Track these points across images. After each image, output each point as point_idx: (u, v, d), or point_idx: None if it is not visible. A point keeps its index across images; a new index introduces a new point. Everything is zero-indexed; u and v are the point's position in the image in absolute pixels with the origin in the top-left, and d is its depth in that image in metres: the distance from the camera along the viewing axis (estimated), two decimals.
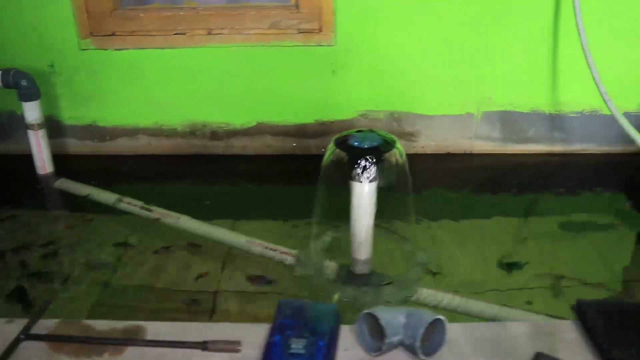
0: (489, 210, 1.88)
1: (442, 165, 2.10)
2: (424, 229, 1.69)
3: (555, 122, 2.08)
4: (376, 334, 0.89)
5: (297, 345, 0.82)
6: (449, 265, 1.52)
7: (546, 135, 2.11)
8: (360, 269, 1.44)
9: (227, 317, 1.31)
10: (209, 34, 1.93)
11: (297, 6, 1.89)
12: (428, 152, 2.12)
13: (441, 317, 0.88)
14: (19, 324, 1.00)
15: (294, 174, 2.05)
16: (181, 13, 1.93)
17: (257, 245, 1.60)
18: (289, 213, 1.79)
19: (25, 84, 1.90)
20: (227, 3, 1.97)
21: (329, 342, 0.84)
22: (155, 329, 0.99)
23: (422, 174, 2.07)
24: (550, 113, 2.06)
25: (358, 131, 1.35)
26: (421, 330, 0.84)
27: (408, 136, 2.09)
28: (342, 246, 1.51)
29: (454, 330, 0.93)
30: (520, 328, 0.96)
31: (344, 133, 1.34)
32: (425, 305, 1.38)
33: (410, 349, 0.87)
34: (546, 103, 2.05)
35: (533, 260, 1.55)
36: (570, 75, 1.98)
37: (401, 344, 0.88)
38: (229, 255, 1.58)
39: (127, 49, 1.98)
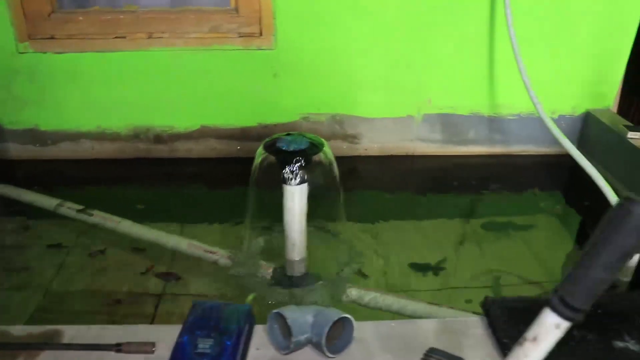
0: (430, 211, 1.93)
1: (385, 166, 2.14)
2: (361, 230, 1.73)
3: (494, 124, 2.14)
4: (287, 333, 0.91)
5: (204, 345, 0.84)
6: (385, 266, 1.55)
7: (486, 137, 2.17)
8: (295, 270, 1.47)
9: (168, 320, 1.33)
10: (150, 37, 1.93)
11: (236, 10, 1.90)
12: (371, 154, 2.15)
13: (348, 315, 0.91)
14: None
15: (238, 177, 2.05)
16: (121, 16, 1.92)
17: (196, 248, 1.61)
18: (234, 215, 1.80)
19: None
20: (168, 6, 1.97)
21: (237, 342, 0.86)
22: (72, 332, 0.99)
23: (365, 176, 2.13)
24: (489, 116, 2.12)
25: (287, 134, 1.37)
26: (326, 329, 0.87)
27: (351, 138, 2.12)
28: (277, 248, 1.53)
29: (363, 329, 0.96)
30: (430, 325, 1.00)
31: (273, 137, 1.36)
32: (356, 304, 1.42)
33: (317, 346, 0.89)
34: (485, 106, 2.11)
35: (472, 259, 1.61)
36: (506, 79, 2.04)
37: (309, 342, 0.91)
38: (173, 258, 1.59)
39: (67, 52, 1.96)
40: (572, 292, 0.55)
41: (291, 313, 0.90)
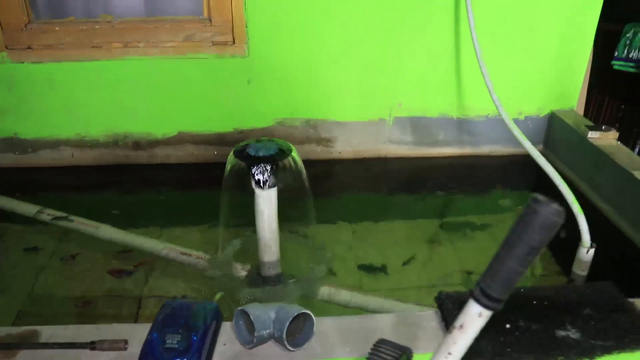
0: (401, 212, 2.01)
1: (358, 169, 2.21)
2: (333, 231, 1.80)
3: (463, 126, 2.22)
4: (251, 329, 0.97)
5: (172, 341, 0.90)
6: (354, 265, 1.62)
7: (455, 139, 2.24)
8: (269, 271, 1.53)
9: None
10: (126, 46, 1.98)
11: (210, 19, 1.96)
12: (345, 157, 2.22)
13: (307, 311, 0.97)
14: None
15: (215, 181, 2.11)
16: (97, 27, 1.97)
17: (172, 251, 1.66)
18: (211, 219, 1.85)
19: None
20: (142, 16, 2.02)
21: (203, 337, 0.92)
22: (49, 332, 1.04)
23: (339, 178, 2.19)
24: (457, 118, 2.20)
25: (257, 141, 1.43)
26: (287, 324, 0.93)
27: (325, 142, 2.19)
28: (251, 250, 1.59)
29: (323, 323, 1.02)
30: (387, 319, 1.06)
31: (243, 143, 1.42)
32: (329, 302, 1.49)
33: (279, 341, 0.95)
34: (453, 108, 2.18)
35: (440, 257, 1.68)
36: (473, 82, 2.11)
37: (272, 337, 0.97)
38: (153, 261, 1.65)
39: (44, 62, 2.00)
40: (490, 284, 0.62)
41: (254, 310, 0.96)
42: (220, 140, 2.15)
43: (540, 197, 0.59)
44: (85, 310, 1.46)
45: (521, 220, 0.60)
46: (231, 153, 1.41)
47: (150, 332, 0.93)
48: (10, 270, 1.64)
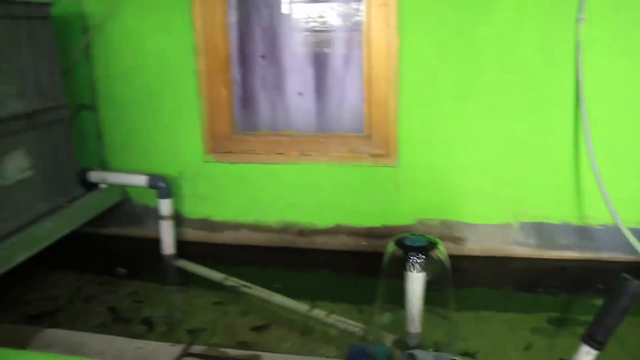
0: (524, 306, 2.26)
1: (486, 266, 2.52)
2: (464, 317, 2.11)
3: (584, 232, 2.48)
4: None
5: None
6: (485, 348, 1.92)
7: (577, 244, 2.50)
8: (412, 341, 1.88)
9: None
10: (302, 155, 2.53)
11: (369, 136, 2.47)
12: (474, 255, 2.56)
13: (457, 358, 1.32)
14: (178, 347, 1.52)
15: (364, 267, 2.52)
16: (281, 139, 2.56)
17: (330, 317, 2.07)
18: (359, 298, 2.25)
19: (163, 186, 2.56)
20: (316, 132, 2.58)
21: None
22: (270, 358, 1.47)
23: (468, 273, 2.51)
24: (578, 225, 2.47)
25: (411, 234, 1.85)
26: None
27: (457, 240, 2.55)
28: (399, 322, 1.95)
29: None
30: None
31: (401, 235, 1.84)
32: None
33: None
34: (574, 216, 2.47)
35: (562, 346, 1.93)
36: (591, 194, 2.39)
37: None
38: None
39: (239, 163, 2.61)
40: (596, 331, 0.97)
41: (419, 353, 1.33)
42: (370, 233, 2.59)
43: (628, 276, 0.95)
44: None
45: (615, 291, 0.96)
46: (391, 242, 1.83)
47: None
48: (202, 312, 2.12)
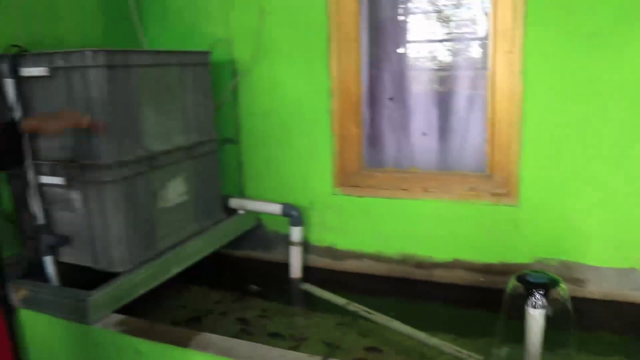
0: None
1: (606, 310, 2.49)
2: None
3: None
4: None
5: None
6: None
7: None
8: None
9: None
10: (425, 191, 2.68)
11: (491, 176, 2.58)
12: (594, 298, 2.54)
13: None
14: (317, 358, 1.71)
15: (481, 302, 2.59)
16: (406, 175, 2.73)
17: (450, 347, 2.18)
18: (475, 331, 2.33)
19: (295, 214, 2.82)
20: (438, 170, 2.73)
21: None
22: None
23: (587, 316, 2.50)
24: None
25: (534, 271, 1.93)
26: None
27: (577, 282, 2.55)
28: (516, 358, 2.02)
29: None
30: None
31: (524, 271, 1.92)
32: None
33: None
34: None
35: None
36: None
37: None
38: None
39: (365, 196, 2.81)
40: None
41: None
42: (487, 269, 2.66)
43: None
44: None
45: None
46: (512, 278, 1.92)
47: None
48: (324, 332, 2.31)
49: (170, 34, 3.09)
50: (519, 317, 1.89)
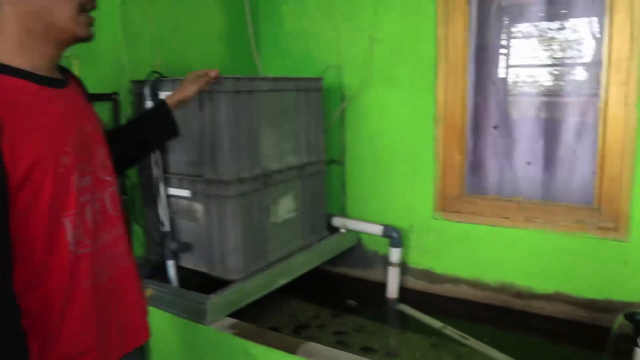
0: None
1: None
2: None
3: None
4: None
5: None
6: None
7: None
8: None
9: None
10: (527, 220, 2.67)
11: (598, 209, 2.53)
12: None
13: None
14: None
15: (581, 339, 2.54)
16: (508, 204, 2.74)
17: None
18: None
19: (395, 236, 2.90)
20: (542, 200, 2.71)
21: None
22: None
23: None
24: None
25: None
26: None
27: None
28: None
29: None
30: None
31: (633, 310, 1.89)
32: None
33: None
34: None
35: None
36: None
37: None
38: None
39: (465, 222, 2.84)
40: None
41: None
42: (591, 304, 2.60)
43: None
44: None
45: None
46: (620, 315, 1.90)
47: None
48: (418, 352, 2.37)
49: (283, 60, 3.31)
50: (625, 357, 1.86)
